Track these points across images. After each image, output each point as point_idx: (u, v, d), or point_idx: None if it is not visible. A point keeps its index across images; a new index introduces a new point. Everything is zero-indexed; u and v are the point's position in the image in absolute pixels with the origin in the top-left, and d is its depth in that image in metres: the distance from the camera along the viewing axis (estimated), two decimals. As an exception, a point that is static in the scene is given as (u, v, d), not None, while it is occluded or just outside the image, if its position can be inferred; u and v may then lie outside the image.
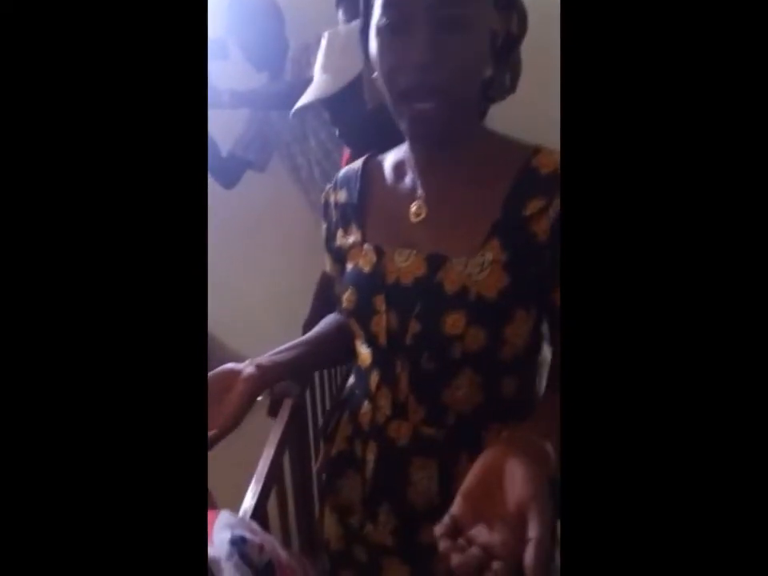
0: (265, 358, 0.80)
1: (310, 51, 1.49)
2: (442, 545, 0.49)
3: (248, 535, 0.60)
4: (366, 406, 0.78)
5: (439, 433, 0.72)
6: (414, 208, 0.72)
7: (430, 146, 0.71)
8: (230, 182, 1.97)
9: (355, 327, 0.76)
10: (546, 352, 0.74)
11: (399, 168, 0.76)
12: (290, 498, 1.07)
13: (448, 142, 0.68)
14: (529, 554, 0.45)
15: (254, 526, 0.64)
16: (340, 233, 0.80)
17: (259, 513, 0.87)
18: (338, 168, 1.40)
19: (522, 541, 0.46)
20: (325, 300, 1.79)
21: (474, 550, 0.47)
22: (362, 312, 0.73)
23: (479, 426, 0.72)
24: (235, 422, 0.73)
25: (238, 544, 0.58)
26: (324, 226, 0.85)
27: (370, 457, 0.77)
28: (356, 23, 0.72)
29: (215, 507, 0.67)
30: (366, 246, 0.75)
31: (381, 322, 0.72)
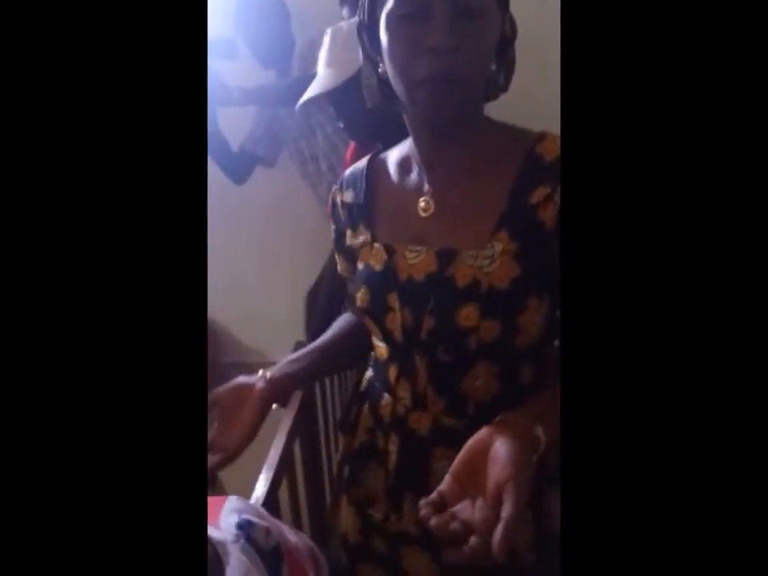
0: (276, 370, 0.81)
1: (316, 47, 1.50)
2: (423, 512, 0.53)
3: (255, 519, 0.61)
4: (386, 398, 0.79)
5: (459, 423, 0.73)
6: (422, 204, 0.72)
7: (435, 138, 0.71)
8: (240, 178, 1.99)
9: (370, 325, 0.77)
10: None
11: (404, 164, 0.76)
12: (300, 487, 1.08)
13: (456, 130, 0.69)
14: (497, 533, 0.48)
15: (262, 510, 0.66)
16: (349, 233, 0.80)
17: (270, 501, 0.89)
18: (345, 161, 1.42)
19: (493, 525, 0.49)
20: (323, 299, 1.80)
21: (455, 525, 0.50)
22: (377, 310, 0.74)
23: (498, 415, 0.73)
24: (250, 439, 0.75)
25: (245, 528, 0.59)
26: (333, 227, 0.85)
27: (392, 448, 0.77)
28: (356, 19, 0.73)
29: (224, 494, 0.69)
30: (376, 245, 0.75)
31: (395, 320, 0.72)
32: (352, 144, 1.40)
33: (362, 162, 0.82)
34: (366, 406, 0.83)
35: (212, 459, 0.75)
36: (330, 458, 1.36)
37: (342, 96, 1.16)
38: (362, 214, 0.78)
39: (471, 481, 0.54)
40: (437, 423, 0.74)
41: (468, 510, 0.52)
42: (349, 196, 0.81)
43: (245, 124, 2.00)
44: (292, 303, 2.05)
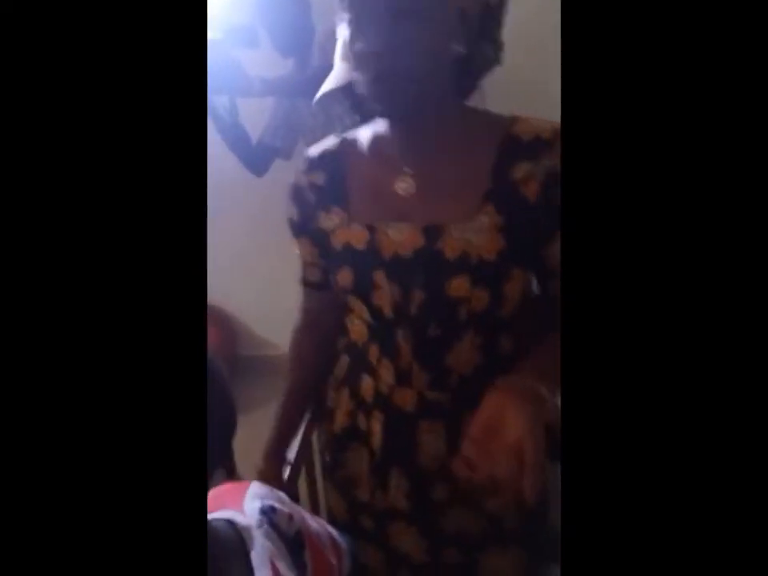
0: None
1: (334, 38, 1.50)
2: (456, 471, 0.59)
3: (277, 505, 0.62)
4: (366, 379, 0.80)
5: (444, 396, 0.76)
6: (401, 183, 0.74)
7: (410, 125, 0.74)
8: (259, 170, 1.99)
9: (355, 304, 0.78)
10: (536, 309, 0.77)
11: (378, 144, 0.78)
12: (318, 476, 1.09)
13: (423, 120, 0.72)
14: (527, 477, 0.55)
15: (284, 496, 0.67)
16: (322, 215, 0.81)
17: (289, 490, 0.89)
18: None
19: (521, 473, 0.55)
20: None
21: (482, 479, 0.57)
22: (362, 288, 0.76)
23: (481, 385, 0.74)
24: None
25: (268, 513, 0.60)
26: (295, 210, 0.85)
27: (377, 427, 0.79)
28: None
29: (238, 479, 0.70)
30: (354, 225, 0.76)
31: (384, 296, 0.74)
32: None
33: (332, 143, 0.84)
34: (346, 391, 0.85)
35: None
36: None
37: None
38: (336, 194, 0.80)
39: (489, 444, 0.59)
40: (422, 398, 0.76)
41: (490, 468, 0.57)
42: (320, 177, 0.82)
43: (263, 116, 2.00)
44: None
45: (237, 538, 0.56)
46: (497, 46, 0.71)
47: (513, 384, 0.64)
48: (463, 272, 0.70)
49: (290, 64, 1.93)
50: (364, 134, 0.80)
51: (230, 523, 0.58)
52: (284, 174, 2.09)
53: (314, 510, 1.08)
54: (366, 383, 0.81)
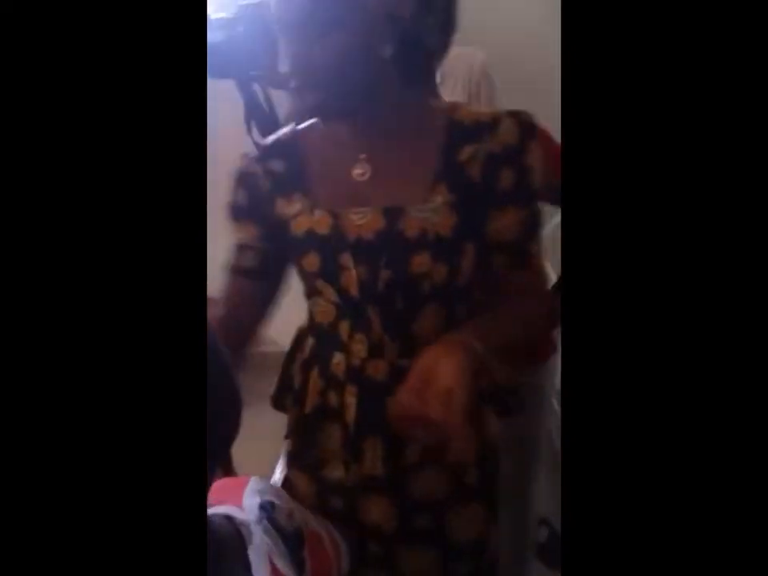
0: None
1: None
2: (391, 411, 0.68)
3: (277, 501, 0.63)
4: (337, 356, 0.83)
5: (411, 362, 0.76)
6: (358, 170, 0.79)
7: (357, 116, 0.79)
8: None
9: (322, 286, 0.82)
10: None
11: (334, 131, 0.82)
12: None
13: (370, 110, 0.77)
14: (456, 416, 0.62)
15: (283, 493, 0.67)
16: (281, 201, 0.82)
17: (287, 486, 0.89)
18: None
19: (450, 413, 0.62)
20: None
21: (414, 420, 0.64)
22: (329, 271, 0.80)
23: None
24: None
25: (267, 509, 0.61)
26: (243, 194, 0.86)
27: (350, 399, 0.82)
28: None
29: (234, 475, 0.70)
30: (317, 211, 0.80)
31: (351, 277, 0.79)
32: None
33: (290, 131, 0.86)
34: (315, 371, 0.86)
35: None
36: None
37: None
38: (296, 180, 0.82)
39: (424, 390, 0.64)
40: (393, 366, 0.80)
41: (424, 410, 0.63)
42: (278, 164, 0.84)
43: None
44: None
45: (235, 534, 0.57)
46: (444, 22, 0.79)
47: (448, 338, 0.71)
48: (424, 249, 0.76)
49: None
50: (317, 125, 0.83)
51: (229, 519, 0.58)
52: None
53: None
54: (337, 360, 0.83)
